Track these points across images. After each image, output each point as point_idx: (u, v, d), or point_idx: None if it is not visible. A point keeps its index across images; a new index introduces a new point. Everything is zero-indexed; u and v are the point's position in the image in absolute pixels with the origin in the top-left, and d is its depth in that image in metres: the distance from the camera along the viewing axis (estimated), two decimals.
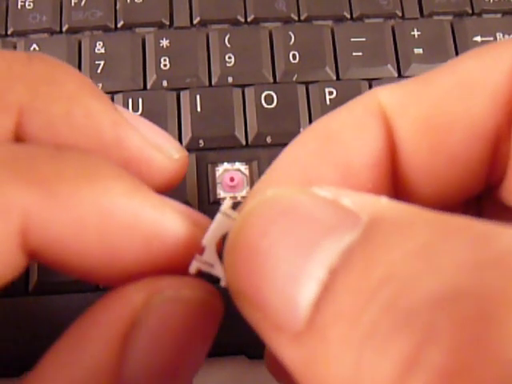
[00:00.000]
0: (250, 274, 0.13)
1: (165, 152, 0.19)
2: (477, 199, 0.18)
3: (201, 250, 0.15)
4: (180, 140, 0.28)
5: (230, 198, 0.28)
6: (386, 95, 0.17)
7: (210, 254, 0.15)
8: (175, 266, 0.15)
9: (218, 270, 0.15)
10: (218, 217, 0.15)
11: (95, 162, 0.15)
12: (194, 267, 0.15)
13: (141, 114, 0.28)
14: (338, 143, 0.17)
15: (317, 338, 0.11)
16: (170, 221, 0.15)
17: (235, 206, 0.16)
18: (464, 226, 0.11)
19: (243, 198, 0.28)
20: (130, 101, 0.29)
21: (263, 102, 0.29)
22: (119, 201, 0.15)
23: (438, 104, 0.16)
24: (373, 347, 0.10)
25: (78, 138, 0.17)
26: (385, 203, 0.13)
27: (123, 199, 0.15)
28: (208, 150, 0.28)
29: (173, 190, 0.26)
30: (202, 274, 0.16)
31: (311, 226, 0.12)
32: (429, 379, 0.09)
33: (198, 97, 0.29)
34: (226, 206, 0.15)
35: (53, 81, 0.17)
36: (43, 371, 0.14)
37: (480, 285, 0.10)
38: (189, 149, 0.28)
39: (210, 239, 0.15)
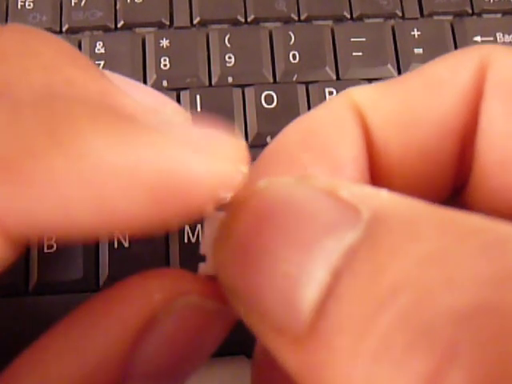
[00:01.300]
0: (244, 274, 0.12)
1: (163, 116, 0.16)
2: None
3: (203, 258, 0.15)
4: None
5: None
6: (360, 93, 0.17)
7: (211, 260, 0.15)
8: (189, 209, 0.13)
9: None
10: (207, 222, 0.15)
11: (62, 111, 0.12)
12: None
13: None
14: (320, 136, 0.17)
15: (321, 344, 0.11)
16: (176, 162, 0.12)
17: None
18: (476, 229, 0.11)
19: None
20: None
21: (263, 101, 0.29)
22: (105, 157, 0.12)
23: (407, 101, 0.17)
24: (386, 363, 0.10)
25: None
26: (385, 197, 0.12)
27: (110, 153, 0.12)
28: None
29: None
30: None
31: (310, 222, 0.11)
32: None
33: (197, 97, 0.29)
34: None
35: (28, 51, 0.14)
36: (45, 351, 0.13)
37: (501, 300, 0.09)
38: None
39: (206, 247, 0.15)
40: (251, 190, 0.13)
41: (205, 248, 0.15)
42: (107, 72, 0.16)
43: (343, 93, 0.17)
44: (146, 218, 0.12)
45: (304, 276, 0.11)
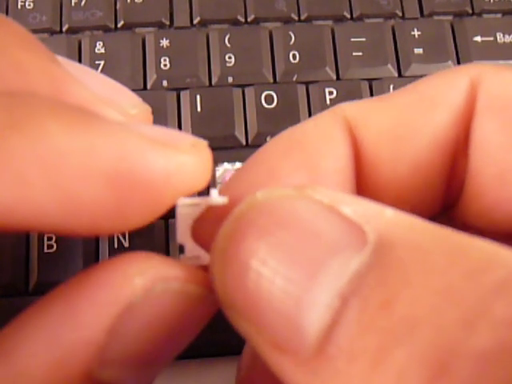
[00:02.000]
0: (242, 289, 0.12)
1: (118, 108, 0.16)
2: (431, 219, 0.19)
3: (180, 249, 0.15)
4: None
5: None
6: (351, 109, 0.17)
7: (191, 249, 0.15)
8: (152, 200, 0.13)
9: (205, 259, 0.15)
10: (179, 211, 0.15)
11: (20, 101, 0.13)
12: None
13: None
14: (304, 147, 0.16)
15: (329, 369, 0.10)
16: (133, 151, 0.13)
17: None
18: (487, 265, 0.10)
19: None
20: None
21: (263, 101, 0.29)
22: (62, 142, 0.12)
23: (399, 116, 0.17)
24: None
25: None
26: (391, 217, 0.12)
27: (66, 139, 0.12)
28: None
29: None
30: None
31: (313, 241, 0.11)
32: None
33: (198, 97, 0.29)
34: (180, 199, 0.14)
35: None
36: (21, 334, 0.13)
37: None
38: None
39: (182, 236, 0.15)
40: (249, 201, 0.13)
41: (181, 238, 0.15)
42: (62, 58, 0.16)
43: (334, 107, 0.17)
44: (107, 209, 0.13)
45: (308, 298, 0.11)
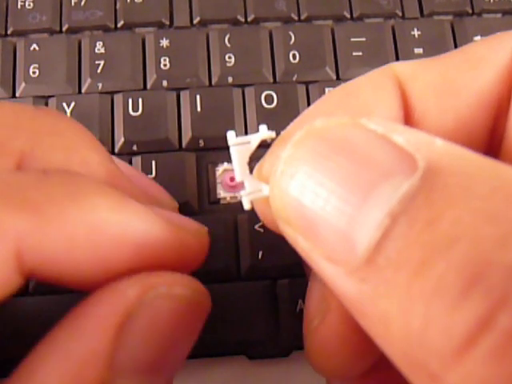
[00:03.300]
0: (300, 208, 0.13)
1: (154, 200, 0.20)
2: None
3: (241, 187, 0.16)
4: (180, 140, 0.28)
5: (231, 197, 0.28)
6: (401, 66, 0.18)
7: (250, 184, 0.16)
8: (164, 266, 0.16)
9: (266, 191, 0.16)
10: (232, 151, 0.16)
11: (80, 182, 0.16)
12: (246, 203, 0.16)
13: (141, 114, 0.28)
14: (358, 97, 0.18)
15: (377, 278, 0.12)
16: (154, 228, 0.16)
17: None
18: None
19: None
20: (130, 101, 0.29)
21: (263, 101, 0.29)
22: (106, 215, 0.16)
23: (446, 72, 0.18)
24: (443, 303, 0.11)
25: None
26: (440, 146, 0.13)
27: (109, 213, 0.16)
28: (208, 150, 0.28)
29: (171, 188, 0.26)
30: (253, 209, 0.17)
31: (367, 166, 0.12)
32: (499, 341, 0.10)
33: (198, 97, 0.29)
34: (230, 138, 0.16)
35: (54, 132, 0.18)
36: (38, 359, 0.15)
37: None
38: (189, 149, 0.28)
39: (240, 173, 0.16)
40: (308, 128, 0.14)
41: (240, 175, 0.16)
42: (117, 160, 0.20)
43: (384, 66, 0.19)
44: (127, 271, 0.16)
45: (361, 216, 0.12)
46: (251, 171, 0.16)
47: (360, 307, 0.12)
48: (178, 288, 0.16)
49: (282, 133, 0.17)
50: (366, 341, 0.14)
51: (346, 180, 0.12)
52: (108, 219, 0.16)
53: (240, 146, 0.16)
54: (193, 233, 0.18)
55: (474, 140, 0.18)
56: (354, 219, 0.12)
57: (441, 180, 0.12)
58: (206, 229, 0.19)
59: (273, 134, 0.16)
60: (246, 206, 0.16)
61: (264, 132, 0.16)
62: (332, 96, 0.18)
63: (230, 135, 0.16)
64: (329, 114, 0.17)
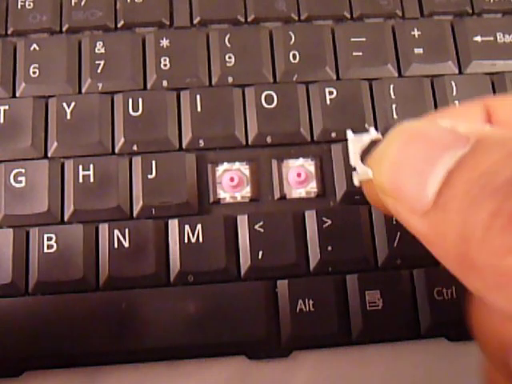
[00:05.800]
0: (392, 176, 0.19)
1: None
2: None
3: (352, 169, 0.22)
4: (180, 140, 0.28)
5: (231, 197, 0.28)
6: (487, 97, 0.23)
7: (360, 168, 0.21)
8: None
9: (372, 175, 0.20)
10: (349, 144, 0.22)
11: None
12: (356, 181, 0.21)
13: (141, 114, 0.28)
14: (452, 114, 0.23)
15: (439, 211, 0.17)
16: None
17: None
18: None
19: (243, 197, 0.28)
20: (130, 101, 0.29)
21: (263, 101, 0.29)
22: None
23: None
24: (473, 211, 0.16)
25: None
26: (488, 129, 0.19)
27: None
28: (208, 149, 0.28)
29: (172, 188, 0.26)
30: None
31: (434, 145, 0.18)
32: (506, 220, 0.15)
33: (198, 97, 0.29)
34: (349, 134, 0.22)
35: None
36: None
37: None
38: (189, 149, 0.28)
39: (355, 161, 0.21)
40: (397, 127, 0.19)
41: (354, 161, 0.22)
42: None
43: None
44: None
45: (431, 174, 0.17)
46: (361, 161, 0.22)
47: (430, 238, 0.18)
48: None
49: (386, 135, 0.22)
50: None
51: (421, 155, 0.18)
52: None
53: (355, 140, 0.22)
54: None
55: None
56: (427, 177, 0.18)
57: (484, 146, 0.17)
58: None
59: (379, 135, 0.22)
60: (356, 183, 0.21)
61: (373, 133, 0.22)
62: (435, 113, 0.24)
63: (349, 133, 0.22)
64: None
